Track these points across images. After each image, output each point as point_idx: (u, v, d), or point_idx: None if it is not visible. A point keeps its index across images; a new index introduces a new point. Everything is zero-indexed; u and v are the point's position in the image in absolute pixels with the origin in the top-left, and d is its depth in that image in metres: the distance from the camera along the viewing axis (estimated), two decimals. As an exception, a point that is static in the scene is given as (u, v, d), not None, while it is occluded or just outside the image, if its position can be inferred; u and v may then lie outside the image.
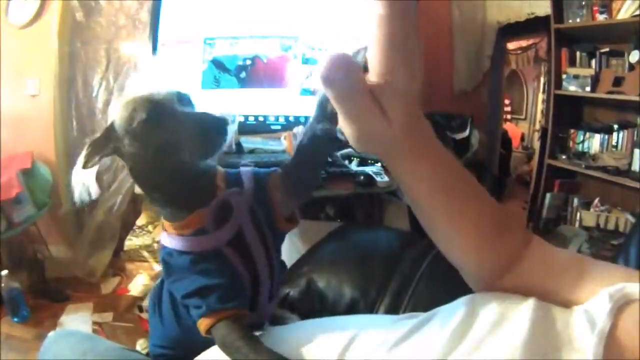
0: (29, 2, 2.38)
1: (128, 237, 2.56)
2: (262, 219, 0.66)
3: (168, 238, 0.64)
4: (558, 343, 0.42)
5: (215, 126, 0.58)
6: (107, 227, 2.38)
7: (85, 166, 0.59)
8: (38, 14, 2.39)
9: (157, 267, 2.45)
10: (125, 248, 2.55)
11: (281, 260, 0.73)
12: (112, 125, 0.61)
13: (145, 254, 2.55)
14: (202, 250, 0.62)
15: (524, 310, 0.46)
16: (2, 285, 2.06)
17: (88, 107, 2.42)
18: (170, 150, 0.58)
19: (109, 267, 2.46)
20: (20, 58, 2.43)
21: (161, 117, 0.58)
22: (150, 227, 2.64)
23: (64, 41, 2.39)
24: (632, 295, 0.42)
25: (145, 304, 2.13)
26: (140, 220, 2.61)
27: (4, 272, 2.06)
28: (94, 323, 2.07)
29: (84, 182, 0.60)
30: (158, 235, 2.60)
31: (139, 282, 2.35)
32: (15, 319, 2.09)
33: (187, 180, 0.62)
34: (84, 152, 0.60)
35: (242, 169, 0.68)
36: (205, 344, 0.66)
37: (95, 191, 0.60)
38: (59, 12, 2.35)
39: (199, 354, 0.66)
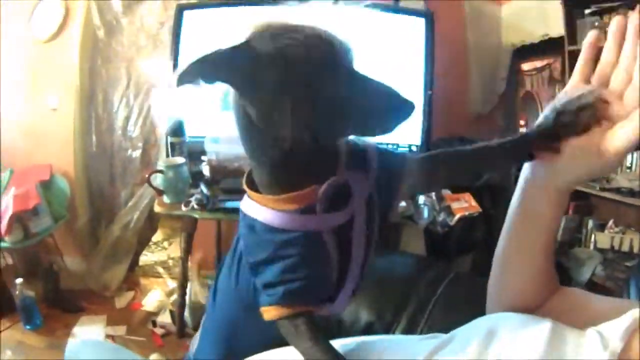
0: (52, 17, 2.43)
1: (143, 252, 2.58)
2: (375, 209, 0.57)
3: (260, 210, 0.54)
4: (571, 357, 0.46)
5: (398, 107, 0.49)
6: (123, 242, 2.40)
7: (180, 82, 0.44)
8: (60, 29, 2.44)
9: (172, 284, 2.47)
10: (141, 263, 2.57)
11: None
12: (247, 45, 0.47)
13: (160, 270, 2.56)
14: (304, 231, 0.53)
15: (540, 331, 0.50)
16: (17, 293, 2.10)
17: (108, 123, 2.47)
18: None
19: (124, 281, 2.48)
20: (41, 72, 2.49)
21: (337, 69, 0.48)
22: (165, 244, 2.66)
23: (85, 57, 2.44)
24: None
25: (160, 319, 2.15)
26: (156, 237, 2.63)
27: (19, 280, 2.10)
28: (107, 336, 2.09)
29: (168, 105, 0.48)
30: (173, 252, 2.63)
31: (153, 298, 2.36)
32: (28, 327, 2.13)
33: (320, 148, 0.51)
34: (184, 68, 0.44)
35: (367, 144, 0.58)
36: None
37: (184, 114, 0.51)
38: (80, 28, 2.41)
39: None
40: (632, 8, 2.16)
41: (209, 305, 0.76)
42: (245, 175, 0.59)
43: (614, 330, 0.47)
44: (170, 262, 2.59)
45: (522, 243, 0.62)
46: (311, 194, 0.52)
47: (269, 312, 0.54)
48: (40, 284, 2.30)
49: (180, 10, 1.98)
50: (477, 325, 0.57)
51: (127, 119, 2.44)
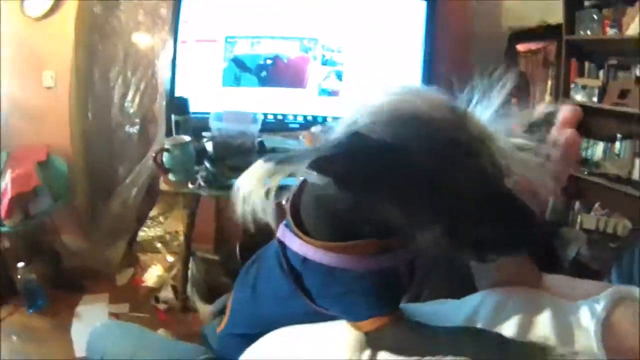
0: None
1: (141, 228, 2.58)
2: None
3: (334, 258, 0.61)
4: (571, 323, 0.58)
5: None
6: (122, 218, 2.40)
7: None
8: (55, 6, 2.37)
9: (171, 259, 2.48)
10: (138, 239, 2.57)
11: None
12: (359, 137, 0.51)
13: (158, 245, 2.58)
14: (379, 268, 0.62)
15: (545, 303, 0.61)
16: (19, 277, 2.09)
17: (105, 100, 2.44)
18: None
19: (123, 258, 2.47)
20: (36, 50, 2.43)
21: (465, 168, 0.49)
22: (161, 218, 2.67)
23: (81, 34, 2.38)
24: (623, 294, 0.59)
25: (163, 294, 2.17)
26: (152, 212, 2.62)
27: (21, 264, 2.08)
28: (111, 314, 2.09)
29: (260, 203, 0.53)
30: (170, 226, 2.64)
31: (154, 274, 2.37)
32: (31, 310, 2.11)
33: None
34: (269, 166, 0.52)
35: None
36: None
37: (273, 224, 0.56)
38: (76, 4, 2.35)
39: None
40: (632, 4, 2.22)
41: (241, 284, 0.79)
42: (293, 223, 0.64)
43: (601, 302, 0.58)
44: (168, 237, 2.59)
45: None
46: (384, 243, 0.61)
47: (368, 324, 0.61)
48: (42, 266, 2.26)
49: (182, -16, 1.97)
50: (487, 297, 0.66)
51: (125, 95, 2.42)
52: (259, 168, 0.53)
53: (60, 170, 2.36)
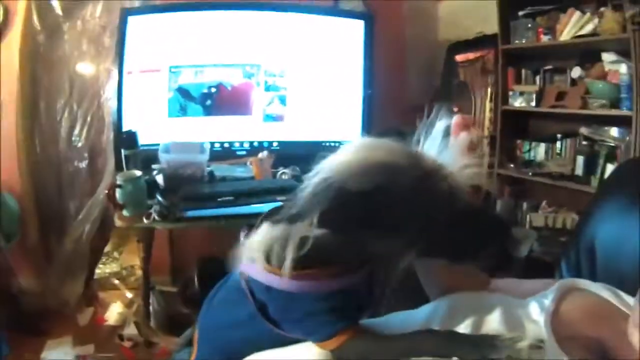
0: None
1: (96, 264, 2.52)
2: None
3: (300, 284, 0.65)
4: (521, 318, 0.64)
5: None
6: (77, 255, 2.33)
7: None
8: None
9: (130, 294, 2.43)
10: (95, 277, 2.50)
11: None
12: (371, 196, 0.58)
13: (116, 281, 2.53)
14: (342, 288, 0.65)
15: (495, 302, 0.67)
16: None
17: (52, 134, 2.36)
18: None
19: (82, 297, 2.40)
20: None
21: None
22: (115, 254, 2.61)
23: (26, 65, 2.31)
24: (570, 286, 0.66)
25: (127, 332, 2.13)
26: (106, 247, 2.56)
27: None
28: (77, 357, 2.03)
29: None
30: (125, 261, 2.59)
31: (115, 311, 2.32)
32: None
33: None
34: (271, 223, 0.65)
35: None
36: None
37: None
38: (20, 35, 2.27)
39: None
40: (564, 11, 2.32)
41: (206, 314, 0.82)
42: (265, 255, 0.68)
43: (549, 297, 0.65)
44: (124, 273, 2.55)
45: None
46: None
47: (332, 342, 0.64)
48: (0, 312, 2.14)
49: (125, 15, 1.96)
50: (440, 304, 0.72)
51: (72, 128, 2.36)
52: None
53: (11, 209, 2.26)
